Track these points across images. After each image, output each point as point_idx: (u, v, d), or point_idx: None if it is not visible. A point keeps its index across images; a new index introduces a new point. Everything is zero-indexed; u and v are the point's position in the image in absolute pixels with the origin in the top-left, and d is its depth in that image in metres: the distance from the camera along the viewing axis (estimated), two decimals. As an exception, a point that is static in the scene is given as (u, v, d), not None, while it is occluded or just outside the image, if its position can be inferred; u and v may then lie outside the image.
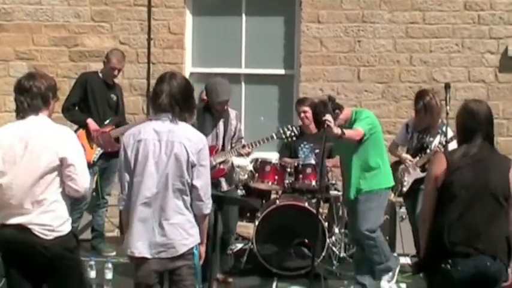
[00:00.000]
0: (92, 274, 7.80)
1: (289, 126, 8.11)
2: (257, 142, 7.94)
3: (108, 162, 8.91)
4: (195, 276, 5.16)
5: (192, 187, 5.08)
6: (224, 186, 7.97)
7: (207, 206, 5.14)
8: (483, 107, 5.18)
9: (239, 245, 9.23)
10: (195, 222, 5.16)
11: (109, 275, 7.80)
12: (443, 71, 10.60)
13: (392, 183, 7.83)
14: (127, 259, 5.34)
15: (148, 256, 5.10)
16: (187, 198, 5.10)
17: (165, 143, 5.07)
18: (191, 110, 5.26)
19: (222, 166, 7.90)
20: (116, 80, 9.51)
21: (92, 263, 7.88)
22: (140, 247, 5.11)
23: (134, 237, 5.14)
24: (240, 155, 7.95)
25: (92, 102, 9.01)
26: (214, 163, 7.78)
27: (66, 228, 5.29)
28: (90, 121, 8.82)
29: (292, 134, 8.06)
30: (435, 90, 8.35)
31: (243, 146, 7.88)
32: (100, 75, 9.19)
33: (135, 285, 5.27)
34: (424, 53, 10.63)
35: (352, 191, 7.66)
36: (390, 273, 7.85)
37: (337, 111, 7.53)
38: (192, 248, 5.13)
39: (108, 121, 9.06)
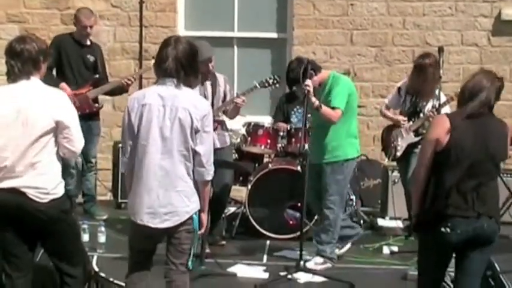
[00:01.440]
0: (85, 238, 7.80)
1: (270, 76, 8.11)
2: (245, 91, 7.93)
3: (88, 123, 8.69)
4: (193, 240, 5.16)
5: (195, 153, 5.05)
6: (217, 143, 7.93)
7: (209, 173, 5.11)
8: (492, 79, 5.17)
9: (232, 209, 9.24)
10: (196, 188, 5.13)
11: (102, 238, 7.80)
12: (436, 35, 10.56)
13: (358, 153, 7.74)
14: (119, 222, 5.34)
15: (152, 225, 5.09)
16: (190, 165, 5.07)
17: (170, 108, 5.03)
18: (196, 75, 5.23)
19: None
20: (96, 41, 9.39)
21: (85, 226, 7.88)
22: (144, 216, 5.09)
23: (137, 204, 5.12)
24: (235, 109, 7.92)
25: (66, 65, 8.84)
26: None
27: (60, 190, 5.30)
28: (63, 85, 8.52)
29: (275, 81, 8.06)
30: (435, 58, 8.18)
31: (237, 96, 7.86)
32: (73, 37, 8.99)
33: (130, 247, 5.28)
34: (417, 17, 10.58)
35: (317, 158, 7.55)
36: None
37: (311, 71, 7.41)
38: (192, 215, 5.12)
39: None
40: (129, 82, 8.92)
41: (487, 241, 5.11)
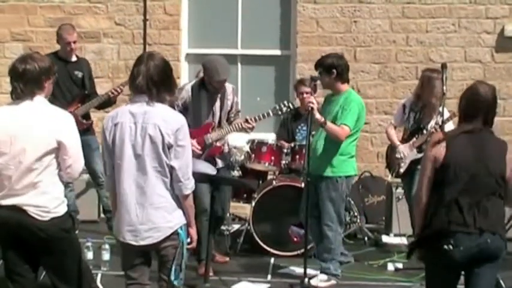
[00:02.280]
0: (89, 255, 7.81)
1: (285, 102, 8.07)
2: (256, 117, 7.89)
3: (83, 139, 8.54)
4: (181, 256, 5.14)
5: (171, 168, 5.04)
6: (219, 163, 7.95)
7: (187, 187, 5.09)
8: (489, 90, 5.17)
9: (236, 226, 9.24)
10: (178, 203, 5.12)
11: (106, 255, 7.80)
12: (439, 51, 10.58)
13: (355, 171, 7.72)
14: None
15: (135, 243, 5.10)
16: (168, 180, 5.06)
17: (140, 126, 5.03)
18: (170, 91, 5.21)
19: (218, 144, 7.89)
20: (87, 56, 9.36)
21: (89, 244, 7.88)
22: (126, 234, 5.11)
23: (120, 223, 5.15)
24: (242, 129, 7.91)
25: (53, 83, 8.77)
26: (210, 140, 7.77)
27: (62, 209, 5.28)
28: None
29: (288, 109, 8.04)
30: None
31: (246, 121, 7.83)
32: (58, 55, 8.93)
33: (122, 266, 5.28)
34: (421, 33, 10.60)
35: (314, 171, 7.52)
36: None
37: (333, 70, 7.44)
38: (177, 230, 5.10)
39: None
40: (116, 93, 8.87)
41: (492, 257, 5.06)
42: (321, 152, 7.55)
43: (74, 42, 8.92)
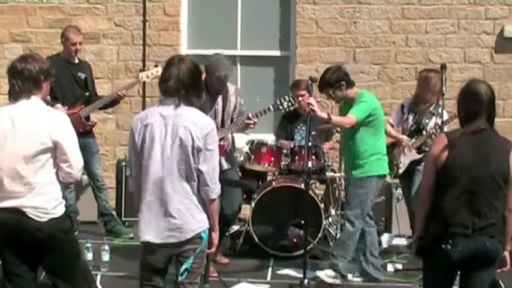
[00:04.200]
0: (89, 256, 7.81)
1: (285, 97, 8.10)
2: (258, 113, 7.92)
3: (84, 142, 8.54)
4: (198, 259, 5.12)
5: (199, 172, 5.05)
6: (224, 164, 7.96)
7: (214, 191, 5.10)
8: (485, 87, 5.16)
9: (235, 227, 9.23)
10: (204, 207, 5.13)
11: (106, 257, 7.81)
12: (439, 52, 10.59)
13: (385, 171, 7.76)
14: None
15: (156, 241, 5.09)
16: (194, 183, 5.07)
17: (171, 128, 5.04)
18: (199, 94, 5.22)
19: (221, 142, 7.90)
20: (86, 57, 9.37)
21: (89, 245, 7.88)
22: (148, 232, 5.10)
23: (142, 222, 5.14)
24: (244, 128, 7.92)
25: (56, 85, 8.76)
26: None
27: (60, 210, 5.29)
28: (58, 106, 8.44)
29: (290, 104, 8.06)
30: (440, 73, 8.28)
31: (248, 118, 7.86)
32: (61, 56, 8.99)
33: (140, 265, 5.25)
34: (420, 34, 10.61)
35: (347, 172, 7.71)
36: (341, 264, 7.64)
37: (342, 82, 7.50)
38: (200, 233, 5.11)
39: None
40: (122, 95, 8.89)
41: (489, 260, 5.07)
42: (350, 152, 7.62)
43: (80, 43, 8.96)
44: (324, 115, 7.34)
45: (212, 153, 5.09)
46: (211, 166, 5.08)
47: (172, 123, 5.05)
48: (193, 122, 5.06)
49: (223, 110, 7.90)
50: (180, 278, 5.12)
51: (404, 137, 8.49)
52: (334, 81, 7.53)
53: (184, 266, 5.10)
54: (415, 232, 5.26)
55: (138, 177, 5.17)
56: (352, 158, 7.60)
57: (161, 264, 5.19)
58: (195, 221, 5.09)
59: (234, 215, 8.32)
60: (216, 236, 5.25)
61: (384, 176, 7.79)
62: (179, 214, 5.05)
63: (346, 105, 7.67)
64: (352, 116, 7.41)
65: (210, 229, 5.18)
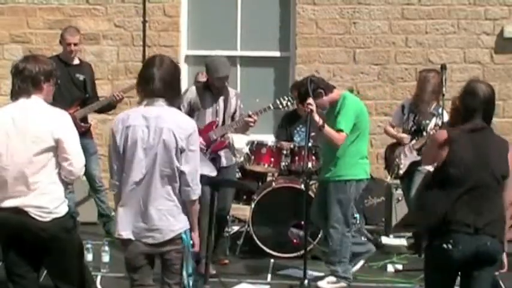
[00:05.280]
0: (89, 257, 7.82)
1: (285, 96, 8.15)
2: (258, 111, 7.96)
3: (81, 143, 8.49)
4: (185, 261, 5.16)
5: (181, 172, 5.06)
6: (223, 161, 8.00)
7: (195, 192, 5.11)
8: (484, 86, 5.18)
9: (235, 228, 9.25)
10: (184, 208, 5.14)
11: (106, 257, 7.82)
12: (439, 52, 10.61)
13: (365, 175, 7.65)
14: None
15: (133, 238, 5.12)
16: (177, 185, 5.09)
17: (154, 129, 5.05)
18: (179, 95, 5.27)
19: (222, 139, 7.96)
20: (86, 58, 9.33)
21: (89, 246, 7.90)
22: (127, 229, 5.13)
23: (122, 220, 5.16)
24: (245, 125, 7.96)
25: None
26: (214, 137, 7.85)
27: (63, 209, 5.31)
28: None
29: (289, 103, 8.10)
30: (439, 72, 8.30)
31: (248, 115, 7.89)
32: (60, 57, 8.94)
33: (125, 265, 5.29)
34: (420, 35, 10.62)
35: (324, 175, 7.65)
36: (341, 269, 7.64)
37: (320, 90, 7.44)
38: (180, 234, 5.12)
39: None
40: (118, 98, 8.88)
41: (490, 259, 5.08)
42: (329, 155, 7.58)
43: (75, 44, 8.92)
44: (319, 121, 7.31)
45: (194, 154, 5.10)
46: (193, 167, 5.09)
47: (155, 125, 5.05)
48: (176, 123, 5.07)
49: (224, 110, 7.98)
50: (187, 286, 5.15)
51: (405, 136, 8.51)
52: (313, 93, 7.39)
53: (184, 274, 5.14)
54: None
55: (119, 179, 5.17)
56: (329, 160, 7.55)
57: (141, 261, 5.20)
58: (175, 221, 5.11)
59: (227, 214, 8.35)
60: (196, 235, 5.27)
61: (364, 179, 7.67)
62: (159, 215, 5.07)
63: (331, 108, 7.58)
64: (343, 134, 7.33)
65: (191, 230, 5.20)
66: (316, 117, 7.32)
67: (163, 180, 5.06)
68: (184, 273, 5.15)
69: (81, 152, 5.35)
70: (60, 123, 5.26)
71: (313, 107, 7.28)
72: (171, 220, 5.09)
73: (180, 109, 7.69)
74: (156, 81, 5.09)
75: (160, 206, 5.07)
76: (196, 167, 5.11)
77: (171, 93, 5.14)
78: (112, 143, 5.17)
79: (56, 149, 5.21)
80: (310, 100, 7.33)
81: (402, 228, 8.07)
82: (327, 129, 7.36)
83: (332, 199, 7.52)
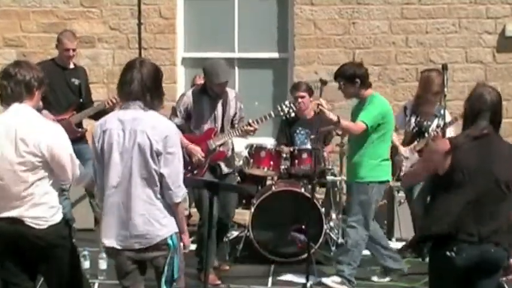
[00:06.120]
0: (86, 264, 7.78)
1: (286, 103, 8.11)
2: (258, 119, 7.92)
3: (76, 148, 8.43)
4: (172, 267, 5.13)
5: (161, 176, 5.05)
6: (224, 169, 7.96)
7: (177, 195, 5.09)
8: (490, 90, 5.16)
9: (235, 233, 9.22)
10: (170, 211, 5.13)
11: (103, 265, 7.79)
12: (440, 52, 10.59)
13: (387, 177, 7.70)
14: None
15: (119, 247, 5.12)
16: (157, 188, 5.08)
17: (129, 132, 5.05)
18: (161, 98, 5.25)
19: (221, 149, 7.90)
20: (81, 62, 9.31)
21: (86, 253, 7.86)
22: (111, 237, 5.13)
23: (105, 227, 5.17)
24: (245, 133, 7.91)
25: (49, 90, 8.61)
26: (214, 146, 7.79)
27: (58, 217, 5.31)
28: (45, 113, 8.39)
29: (291, 110, 8.06)
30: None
31: (248, 124, 7.85)
32: (56, 61, 8.93)
33: (116, 274, 5.28)
34: (420, 34, 10.61)
35: (348, 176, 7.71)
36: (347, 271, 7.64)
37: (357, 80, 7.46)
38: (166, 239, 5.10)
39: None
40: (111, 104, 8.80)
41: (494, 268, 5.05)
42: (352, 156, 7.62)
43: (74, 50, 8.91)
44: (333, 117, 7.32)
45: (174, 156, 5.07)
46: (173, 170, 5.07)
47: (130, 128, 5.05)
48: (151, 125, 5.05)
49: (223, 115, 7.89)
50: None
51: (403, 149, 8.48)
52: (348, 75, 7.51)
53: (163, 280, 5.12)
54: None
55: (102, 184, 5.18)
56: (354, 162, 7.59)
57: (130, 266, 5.19)
58: (160, 226, 5.10)
59: (229, 219, 8.32)
60: (186, 237, 5.28)
61: (387, 181, 7.73)
62: (143, 220, 5.06)
63: (358, 107, 7.64)
64: (361, 124, 7.37)
65: (180, 232, 5.19)
66: (330, 115, 7.30)
67: (142, 184, 5.06)
68: (163, 279, 5.11)
69: (75, 162, 5.32)
70: (52, 137, 5.23)
71: (324, 108, 7.27)
72: (155, 225, 5.08)
73: (175, 113, 7.72)
74: (134, 84, 5.09)
75: (142, 211, 5.06)
76: (177, 170, 5.10)
77: (151, 96, 5.12)
78: (92, 147, 5.21)
79: (50, 162, 5.19)
80: (321, 100, 7.34)
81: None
82: (343, 122, 7.40)
83: (354, 200, 7.56)
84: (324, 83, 7.68)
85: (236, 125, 7.94)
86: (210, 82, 7.75)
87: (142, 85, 5.09)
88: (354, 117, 7.60)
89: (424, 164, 5.30)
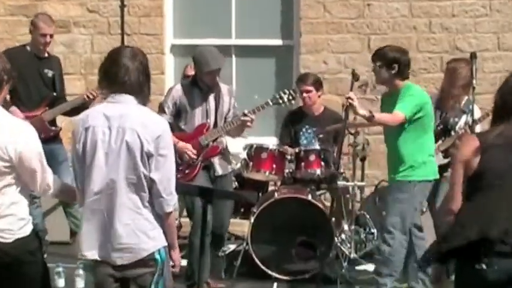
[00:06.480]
0: (60, 283, 7.81)
1: (285, 90, 8.15)
2: (255, 109, 7.95)
3: (49, 149, 8.27)
4: (158, 286, 5.13)
5: (151, 181, 5.03)
6: (218, 170, 8.00)
7: (169, 203, 5.08)
8: None
9: (232, 246, 9.24)
10: (159, 221, 5.13)
11: (80, 283, 7.81)
12: (468, 39, 10.61)
13: (432, 175, 7.72)
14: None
15: (99, 258, 5.10)
16: (145, 195, 5.06)
17: (116, 130, 5.03)
18: (150, 92, 5.25)
19: (214, 144, 7.95)
20: (55, 49, 9.31)
21: (60, 269, 7.88)
22: (93, 249, 5.11)
23: (85, 238, 5.14)
24: (240, 127, 7.96)
25: (20, 81, 8.34)
26: (206, 142, 7.84)
27: (27, 229, 5.29)
28: (13, 109, 8.29)
29: (290, 97, 8.10)
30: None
31: (244, 114, 7.89)
32: (28, 48, 8.94)
33: None
34: (446, 18, 10.63)
35: (388, 176, 7.81)
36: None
37: (395, 65, 7.53)
38: (154, 253, 5.10)
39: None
40: (91, 97, 8.78)
41: None
42: (391, 154, 7.68)
43: (51, 35, 8.91)
44: (365, 112, 7.36)
45: (165, 158, 5.06)
46: (165, 174, 5.06)
47: (118, 125, 5.03)
48: (142, 123, 5.04)
49: (216, 110, 7.94)
50: None
51: None
52: (388, 58, 7.57)
53: None
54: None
55: (82, 189, 5.16)
56: (393, 159, 7.65)
57: (111, 284, 5.17)
58: (147, 239, 5.08)
59: (225, 232, 8.34)
60: (177, 254, 5.28)
61: (432, 181, 7.72)
62: (128, 231, 5.04)
63: (389, 97, 7.68)
64: (399, 113, 7.42)
65: (169, 247, 5.19)
66: (361, 110, 7.36)
67: (128, 190, 5.04)
68: None
69: (46, 169, 5.32)
70: (23, 137, 5.23)
71: (355, 103, 7.31)
72: (141, 237, 5.06)
73: (163, 109, 7.76)
74: (129, 75, 5.07)
75: (127, 221, 5.04)
76: (169, 174, 5.09)
77: (143, 90, 5.14)
78: (72, 148, 5.17)
79: (17, 167, 5.19)
80: (351, 94, 7.38)
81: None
82: (377, 115, 7.45)
83: (391, 198, 7.63)
84: (355, 77, 7.73)
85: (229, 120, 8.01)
86: (200, 72, 7.83)
87: (138, 76, 5.09)
88: (384, 109, 7.68)
89: (451, 179, 5.27)
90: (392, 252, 7.56)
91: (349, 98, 7.38)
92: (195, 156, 7.82)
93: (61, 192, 5.49)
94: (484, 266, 4.99)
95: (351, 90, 7.57)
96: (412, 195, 7.56)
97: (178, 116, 7.84)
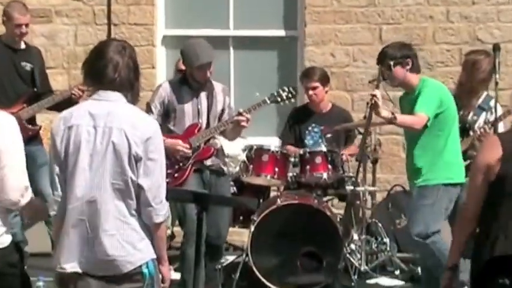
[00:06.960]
0: (42, 297, 7.84)
1: (284, 87, 8.19)
2: (251, 108, 7.99)
3: (27, 151, 8.19)
4: None
5: (138, 187, 5.02)
6: (209, 162, 8.05)
7: (158, 213, 5.06)
8: None
9: (230, 257, 9.27)
10: (147, 232, 5.12)
11: (63, 298, 7.82)
12: (490, 29, 10.63)
13: (458, 178, 7.75)
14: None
15: (80, 271, 5.07)
16: (132, 202, 5.04)
17: (102, 130, 5.01)
18: (139, 90, 5.26)
19: (207, 145, 7.98)
20: (35, 41, 9.29)
21: (41, 283, 7.90)
22: (72, 261, 5.07)
23: (65, 248, 5.09)
24: (235, 127, 8.00)
25: None
26: (197, 143, 7.88)
27: (6, 239, 5.32)
28: None
29: (290, 95, 8.15)
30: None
31: (239, 114, 7.93)
32: (2, 40, 8.97)
33: None
34: (465, 6, 10.65)
35: (409, 181, 7.88)
36: None
37: (409, 60, 7.62)
38: (140, 267, 5.10)
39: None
40: (80, 93, 8.77)
41: None
42: (410, 156, 7.75)
43: (26, 25, 8.92)
44: (387, 114, 7.40)
45: (156, 164, 5.04)
46: (154, 181, 5.04)
47: (104, 125, 5.02)
48: (130, 122, 5.03)
49: (208, 110, 7.97)
50: None
51: None
52: (400, 55, 7.64)
53: None
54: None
55: (63, 196, 5.13)
56: (414, 162, 7.69)
57: None
58: (134, 250, 5.06)
59: (222, 242, 8.37)
60: (166, 269, 5.26)
61: (458, 184, 7.73)
62: (112, 242, 5.02)
63: (407, 98, 7.71)
64: (422, 115, 7.44)
65: (158, 261, 5.17)
66: (384, 111, 7.41)
67: (114, 196, 5.01)
68: None
69: (23, 173, 5.34)
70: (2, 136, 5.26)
71: (379, 102, 7.33)
72: (128, 248, 5.04)
73: (150, 109, 7.80)
74: (119, 71, 5.07)
75: (112, 231, 5.01)
76: (158, 181, 5.06)
77: (134, 88, 5.15)
78: (52, 148, 5.14)
79: None
80: (377, 92, 7.40)
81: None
82: (400, 117, 7.49)
83: (415, 205, 7.69)
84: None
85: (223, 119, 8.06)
86: (189, 67, 7.89)
87: (128, 73, 5.09)
88: (404, 110, 7.71)
89: (470, 186, 5.29)
90: (436, 263, 7.51)
91: (374, 96, 7.41)
92: (189, 151, 7.84)
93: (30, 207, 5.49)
94: (507, 282, 5.02)
95: (377, 87, 7.55)
96: (436, 200, 7.61)
97: (166, 116, 7.88)
